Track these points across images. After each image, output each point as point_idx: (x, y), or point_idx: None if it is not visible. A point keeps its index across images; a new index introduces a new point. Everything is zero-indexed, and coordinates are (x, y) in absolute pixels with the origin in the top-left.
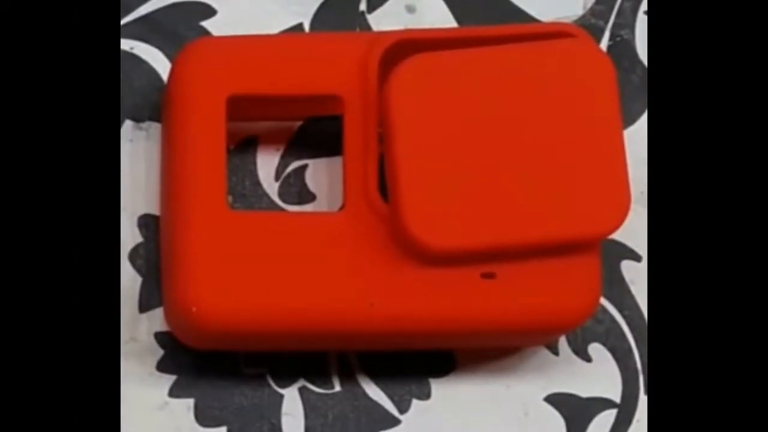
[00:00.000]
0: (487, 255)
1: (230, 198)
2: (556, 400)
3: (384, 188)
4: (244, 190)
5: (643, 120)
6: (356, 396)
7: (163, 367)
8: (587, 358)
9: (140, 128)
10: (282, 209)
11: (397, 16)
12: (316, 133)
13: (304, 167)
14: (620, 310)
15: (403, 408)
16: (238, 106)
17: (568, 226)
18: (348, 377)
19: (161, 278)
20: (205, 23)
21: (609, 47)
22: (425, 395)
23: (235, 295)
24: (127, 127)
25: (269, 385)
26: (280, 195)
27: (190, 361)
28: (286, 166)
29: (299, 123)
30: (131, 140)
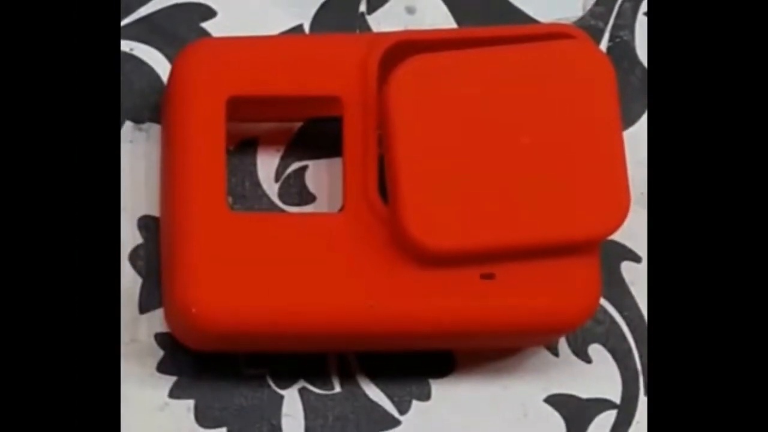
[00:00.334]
0: (487, 256)
1: (230, 199)
2: (556, 401)
3: (384, 189)
4: (244, 191)
5: (642, 121)
6: (356, 397)
7: (163, 368)
8: (587, 359)
9: (140, 129)
10: (282, 210)
11: (397, 17)
12: (316, 134)
13: (304, 168)
14: (620, 311)
15: (403, 409)
16: (238, 107)
17: (568, 227)
18: (348, 378)
19: (161, 279)
20: (205, 24)
21: (609, 48)
22: (425, 396)
23: (235, 296)
24: (127, 128)
25: (269, 386)
26: (280, 196)
27: (190, 362)
28: (286, 167)
29: (299, 124)
30: (131, 141)
